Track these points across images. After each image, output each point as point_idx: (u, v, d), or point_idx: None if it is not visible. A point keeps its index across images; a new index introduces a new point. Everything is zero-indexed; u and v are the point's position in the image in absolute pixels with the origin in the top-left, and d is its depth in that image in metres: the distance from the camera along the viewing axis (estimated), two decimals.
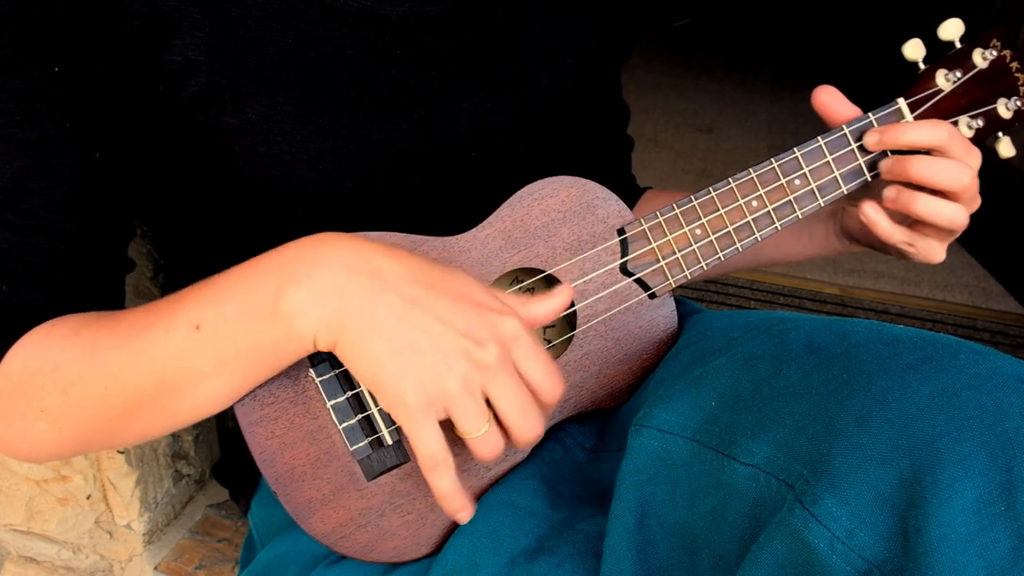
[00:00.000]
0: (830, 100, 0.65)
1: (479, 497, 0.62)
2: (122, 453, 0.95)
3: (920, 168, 0.61)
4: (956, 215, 0.62)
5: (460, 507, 0.53)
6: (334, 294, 0.49)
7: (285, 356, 0.52)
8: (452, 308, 0.50)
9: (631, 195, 0.82)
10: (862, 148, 0.64)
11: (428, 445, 0.50)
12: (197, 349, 0.51)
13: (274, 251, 0.52)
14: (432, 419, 0.50)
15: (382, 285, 0.50)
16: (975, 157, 0.64)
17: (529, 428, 0.52)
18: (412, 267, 0.51)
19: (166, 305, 0.53)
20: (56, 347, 0.53)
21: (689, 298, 0.93)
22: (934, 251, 0.65)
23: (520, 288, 0.68)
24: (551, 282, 0.65)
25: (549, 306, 0.55)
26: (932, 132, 0.62)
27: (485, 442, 0.51)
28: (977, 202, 0.64)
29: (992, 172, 1.79)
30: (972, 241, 1.90)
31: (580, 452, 0.68)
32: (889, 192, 0.63)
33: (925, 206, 0.62)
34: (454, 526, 0.61)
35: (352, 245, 0.51)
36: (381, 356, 0.49)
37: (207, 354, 0.51)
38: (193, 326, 0.51)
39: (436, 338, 0.49)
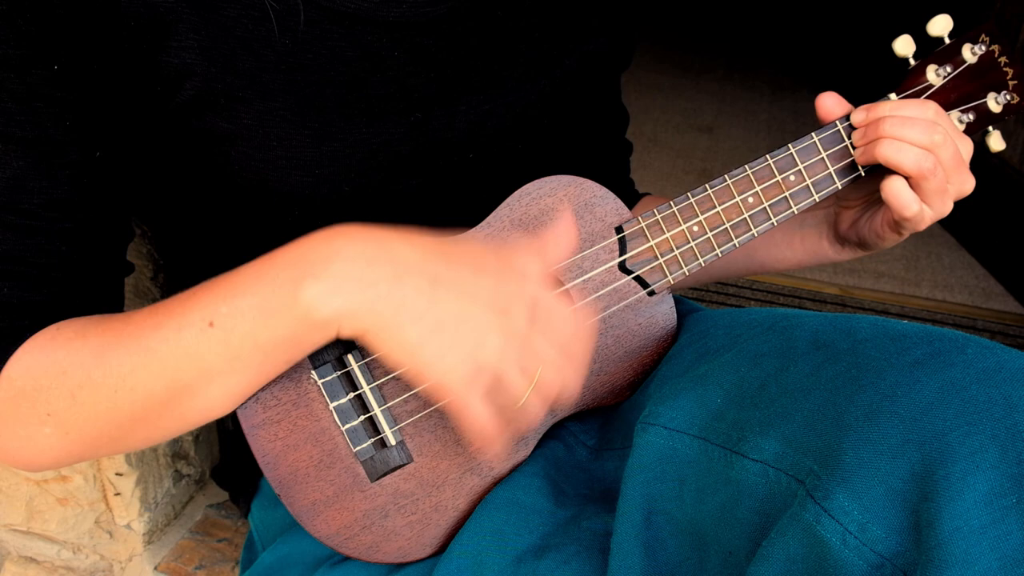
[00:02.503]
0: (832, 105, 0.65)
1: (483, 496, 0.61)
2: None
3: (891, 125, 0.61)
4: (922, 159, 0.61)
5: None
6: (356, 284, 0.49)
7: (304, 347, 0.52)
8: (474, 281, 0.50)
9: (629, 199, 0.82)
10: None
11: (478, 420, 0.50)
12: (211, 346, 0.51)
13: (286, 247, 0.51)
14: (477, 394, 0.50)
15: (403, 270, 0.49)
16: (966, 143, 0.64)
17: (567, 383, 0.52)
18: (427, 247, 0.51)
19: (176, 304, 0.52)
20: (62, 350, 0.53)
21: (689, 298, 0.93)
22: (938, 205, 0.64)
23: None
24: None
25: (560, 245, 0.54)
26: (918, 109, 0.62)
27: (529, 412, 0.51)
28: (963, 174, 0.63)
29: (992, 172, 1.79)
30: (972, 241, 1.90)
31: (583, 450, 0.68)
32: (857, 134, 0.63)
33: (891, 144, 0.61)
34: (458, 526, 0.60)
35: (365, 235, 0.51)
36: (416, 340, 0.49)
37: (221, 351, 0.51)
38: (206, 323, 0.50)
39: (466, 314, 0.49)
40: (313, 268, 0.49)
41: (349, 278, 0.49)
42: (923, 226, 0.64)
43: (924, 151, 0.60)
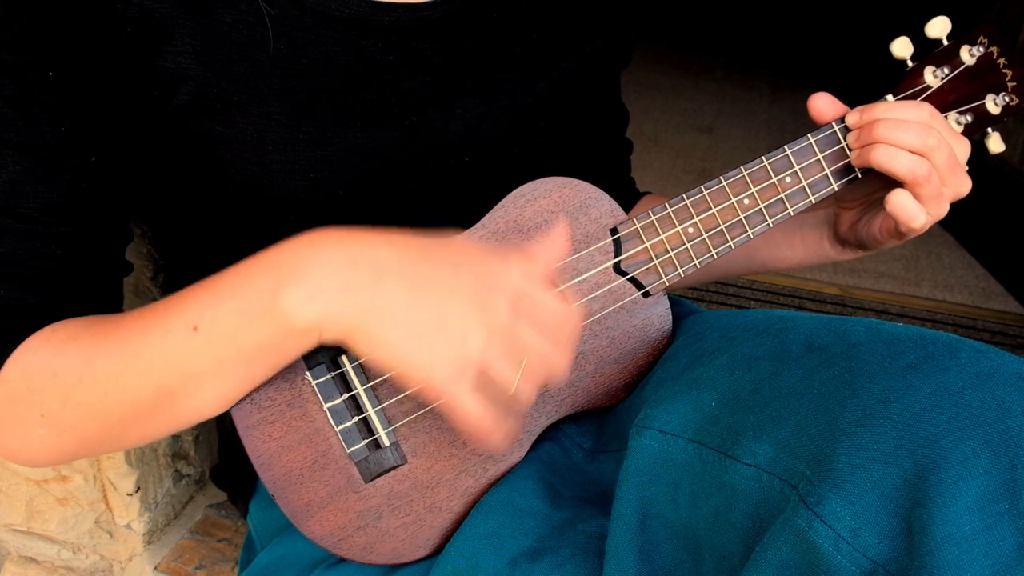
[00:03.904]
0: (825, 105, 0.65)
1: (478, 499, 0.62)
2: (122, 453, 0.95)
3: (885, 128, 0.61)
4: (916, 165, 0.60)
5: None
6: (334, 289, 0.49)
7: (287, 353, 0.52)
8: (454, 277, 0.50)
9: (629, 198, 0.82)
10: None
11: (470, 412, 0.50)
12: (196, 350, 0.51)
13: (268, 250, 0.52)
14: (467, 387, 0.50)
15: (382, 271, 0.49)
16: (962, 145, 0.63)
17: (555, 367, 0.52)
18: (406, 248, 0.51)
19: (162, 308, 0.53)
20: (54, 352, 0.53)
21: (688, 298, 0.93)
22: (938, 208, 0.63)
23: None
24: None
25: (550, 249, 0.54)
26: (912, 111, 0.62)
27: (520, 393, 0.51)
28: (959, 176, 0.63)
29: (992, 172, 1.79)
30: (972, 241, 1.90)
31: (578, 452, 0.68)
32: (851, 136, 0.63)
33: (885, 150, 0.61)
34: (453, 527, 0.61)
35: (343, 238, 0.51)
36: (399, 341, 0.49)
37: (206, 355, 0.51)
38: (191, 327, 0.51)
39: (448, 310, 0.49)
40: (292, 274, 0.50)
41: (327, 283, 0.49)
42: (923, 230, 0.64)
43: (918, 156, 0.60)
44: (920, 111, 0.61)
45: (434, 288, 0.50)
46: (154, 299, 0.95)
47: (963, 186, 0.63)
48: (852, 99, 0.66)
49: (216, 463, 0.85)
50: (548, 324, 0.52)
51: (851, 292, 1.76)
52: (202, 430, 1.08)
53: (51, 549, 1.05)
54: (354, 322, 0.49)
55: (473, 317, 0.49)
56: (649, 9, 3.14)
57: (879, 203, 0.65)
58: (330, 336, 0.50)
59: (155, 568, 1.02)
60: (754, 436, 0.50)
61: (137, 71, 0.54)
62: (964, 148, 0.64)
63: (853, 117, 0.63)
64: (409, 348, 0.49)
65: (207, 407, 0.54)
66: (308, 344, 0.51)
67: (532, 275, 0.52)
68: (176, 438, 1.06)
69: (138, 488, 0.99)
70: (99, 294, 0.59)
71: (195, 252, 0.66)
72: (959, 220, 1.85)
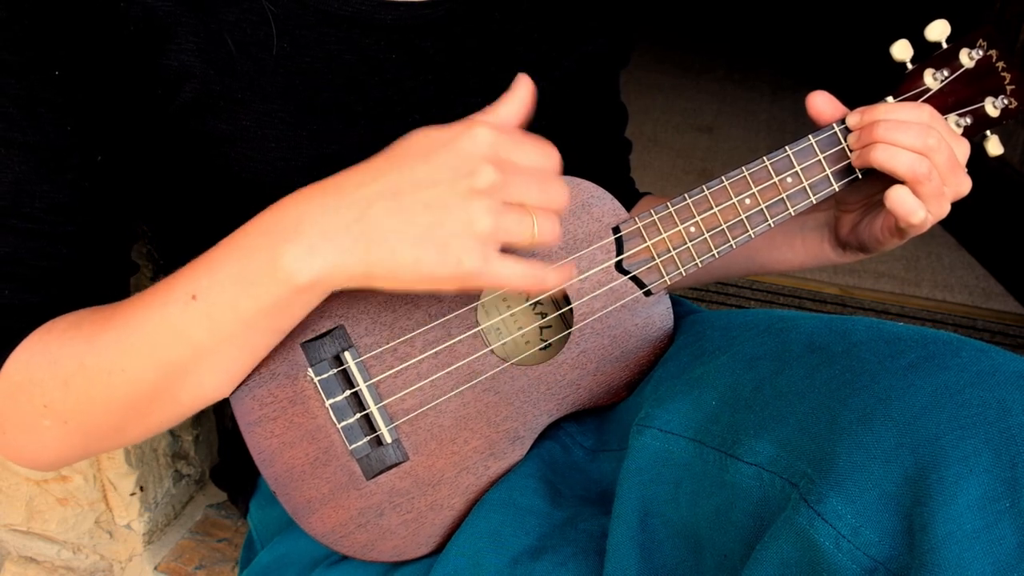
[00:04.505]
0: (823, 104, 0.65)
1: (479, 497, 0.62)
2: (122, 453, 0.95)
3: (885, 129, 0.61)
4: (916, 164, 0.61)
5: (570, 274, 0.55)
6: (329, 237, 0.49)
7: (293, 313, 0.52)
8: (427, 166, 0.49)
9: (629, 198, 0.82)
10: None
11: (516, 277, 0.50)
12: (194, 320, 0.51)
13: (257, 216, 0.51)
14: (496, 258, 0.50)
15: (363, 199, 0.49)
16: (962, 145, 0.64)
17: (557, 199, 0.52)
18: (374, 164, 0.51)
19: (162, 283, 0.53)
20: (55, 342, 0.53)
21: (688, 298, 0.93)
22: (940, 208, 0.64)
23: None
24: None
25: (509, 107, 0.54)
26: (912, 112, 0.62)
27: (543, 233, 0.51)
28: (959, 176, 0.63)
29: (992, 173, 1.79)
30: (972, 241, 1.90)
31: (579, 451, 0.68)
32: (851, 136, 0.63)
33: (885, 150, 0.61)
34: (454, 525, 0.61)
35: (322, 187, 0.51)
36: (412, 257, 0.49)
37: (205, 324, 0.51)
38: (189, 296, 0.51)
39: (440, 202, 0.49)
40: (286, 232, 0.49)
41: (321, 234, 0.49)
42: (924, 229, 0.64)
43: (918, 155, 0.60)
44: (920, 112, 0.62)
45: (418, 189, 0.49)
46: None
47: (963, 186, 0.63)
48: (852, 100, 0.66)
49: (216, 463, 0.85)
50: (534, 165, 0.52)
51: (851, 292, 1.76)
52: (202, 430, 1.09)
53: (51, 549, 1.05)
54: (359, 261, 0.49)
55: (467, 192, 0.49)
56: (650, 9, 3.14)
57: (879, 204, 0.65)
58: (343, 283, 0.50)
59: (155, 568, 1.02)
60: (755, 435, 0.50)
61: (140, 69, 0.55)
62: (964, 149, 0.64)
63: (854, 118, 0.64)
64: (426, 259, 0.48)
65: (210, 386, 0.54)
66: (315, 300, 0.51)
67: (498, 128, 0.51)
68: (176, 438, 1.06)
69: (140, 488, 0.99)
70: (104, 294, 0.59)
71: (195, 252, 0.66)
72: (959, 220, 1.85)
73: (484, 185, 0.49)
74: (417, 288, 0.50)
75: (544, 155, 0.52)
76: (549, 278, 0.52)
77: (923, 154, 0.60)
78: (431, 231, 0.48)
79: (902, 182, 0.61)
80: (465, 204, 0.48)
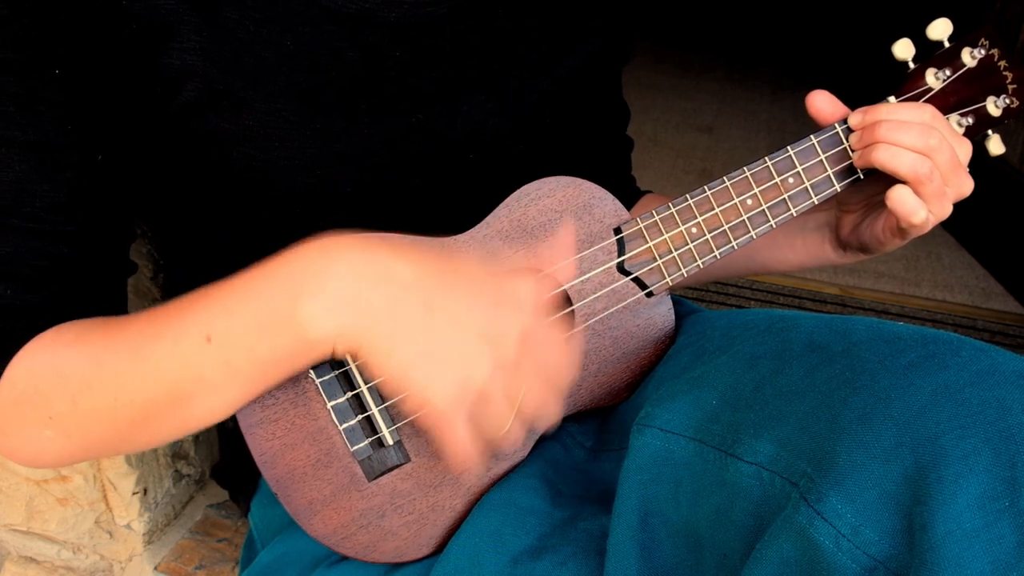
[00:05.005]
0: (824, 104, 0.65)
1: (480, 497, 0.62)
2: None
3: (887, 129, 0.61)
4: (918, 164, 0.61)
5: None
6: (351, 304, 0.50)
7: (299, 362, 0.53)
8: (468, 309, 0.51)
9: (630, 196, 0.82)
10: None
11: (458, 441, 0.51)
12: (208, 361, 0.51)
13: (280, 259, 0.51)
14: (461, 418, 0.51)
15: (399, 292, 0.50)
16: (964, 146, 0.64)
17: (549, 416, 0.54)
18: (424, 269, 0.51)
19: (175, 313, 0.52)
20: (61, 354, 0.53)
21: (688, 298, 0.93)
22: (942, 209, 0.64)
23: None
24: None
25: (557, 261, 0.56)
26: (914, 112, 0.62)
27: (509, 438, 0.53)
28: (960, 177, 0.63)
29: (992, 172, 1.79)
30: (972, 241, 1.90)
31: (580, 451, 0.68)
32: (853, 137, 0.64)
33: (887, 149, 0.61)
34: (455, 526, 0.61)
35: (360, 248, 0.51)
36: (406, 362, 0.50)
37: (219, 365, 0.51)
38: (204, 337, 0.51)
39: (457, 342, 0.50)
40: (308, 286, 0.50)
41: (345, 298, 0.49)
42: (926, 230, 0.64)
43: (920, 155, 0.60)
44: (922, 112, 0.62)
45: (448, 316, 0.50)
46: (154, 299, 0.95)
47: (965, 186, 0.63)
48: (853, 100, 0.66)
49: (217, 461, 0.85)
50: (550, 367, 0.53)
51: (851, 292, 1.76)
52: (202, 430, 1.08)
53: (51, 549, 1.05)
54: (368, 338, 0.50)
55: (482, 351, 0.50)
56: (650, 8, 3.14)
57: (881, 204, 0.65)
58: (342, 349, 0.51)
59: (155, 568, 1.02)
60: (755, 434, 0.50)
61: (142, 68, 0.54)
62: (966, 149, 0.64)
63: (856, 118, 0.64)
64: (416, 369, 0.50)
65: (218, 412, 0.54)
66: (321, 355, 0.52)
67: (541, 307, 0.53)
68: None
69: (140, 488, 0.99)
70: (103, 294, 0.59)
71: (196, 251, 0.66)
72: (959, 220, 1.84)
73: (502, 353, 0.51)
74: (389, 383, 0.51)
75: (565, 366, 0.55)
76: (469, 471, 0.54)
77: (925, 154, 0.60)
78: (436, 356, 0.50)
79: (904, 182, 0.61)
80: (476, 355, 0.50)
